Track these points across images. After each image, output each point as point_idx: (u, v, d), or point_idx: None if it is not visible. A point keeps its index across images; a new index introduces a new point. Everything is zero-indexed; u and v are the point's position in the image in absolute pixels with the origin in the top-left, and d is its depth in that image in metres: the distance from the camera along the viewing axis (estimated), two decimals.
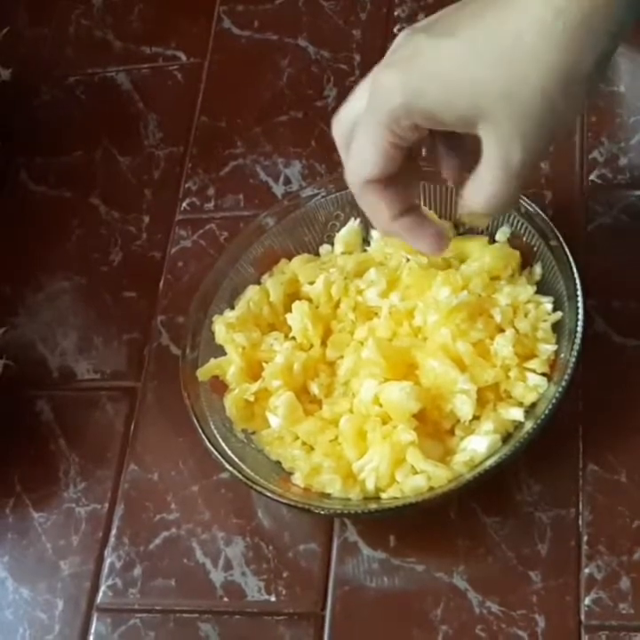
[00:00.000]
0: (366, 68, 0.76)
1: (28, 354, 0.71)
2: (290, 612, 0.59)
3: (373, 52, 0.76)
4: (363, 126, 0.49)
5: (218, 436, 0.57)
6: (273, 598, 0.59)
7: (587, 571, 0.55)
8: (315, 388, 0.58)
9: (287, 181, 0.73)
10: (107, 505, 0.64)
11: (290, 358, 0.58)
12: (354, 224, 0.63)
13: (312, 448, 0.57)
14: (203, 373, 0.59)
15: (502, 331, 0.56)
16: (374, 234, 0.63)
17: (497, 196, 0.47)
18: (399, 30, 0.77)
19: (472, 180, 0.48)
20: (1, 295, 0.74)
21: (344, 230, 0.63)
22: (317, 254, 0.64)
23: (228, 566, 0.60)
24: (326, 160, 0.72)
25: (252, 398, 0.58)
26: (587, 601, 0.55)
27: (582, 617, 0.54)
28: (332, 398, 0.58)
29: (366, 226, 0.62)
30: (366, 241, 0.63)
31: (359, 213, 0.60)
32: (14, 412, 0.69)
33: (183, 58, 0.81)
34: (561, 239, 0.57)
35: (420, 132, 0.48)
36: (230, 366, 0.59)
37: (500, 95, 0.44)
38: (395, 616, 0.57)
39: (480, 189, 0.48)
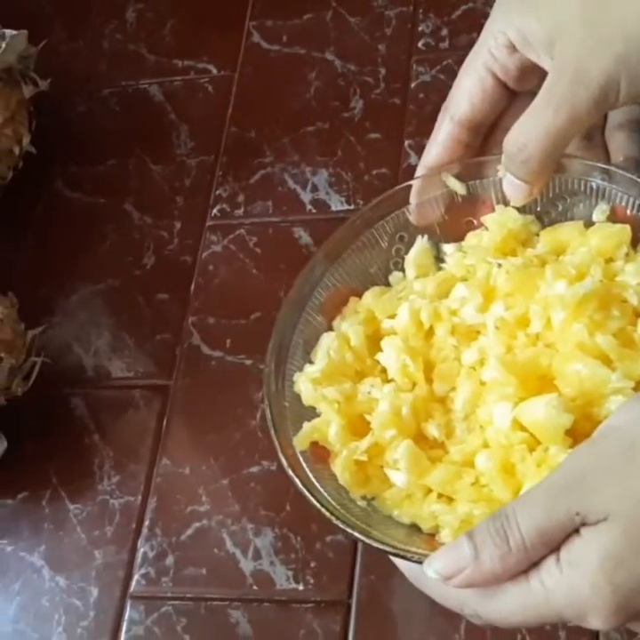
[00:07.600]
0: (391, 81, 0.80)
1: (64, 353, 0.74)
2: (317, 600, 0.61)
3: (398, 66, 0.79)
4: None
5: (338, 506, 0.48)
6: (301, 587, 0.61)
7: None
8: (433, 431, 0.50)
9: (314, 189, 0.75)
10: (140, 497, 0.67)
11: (395, 403, 0.50)
12: (422, 242, 0.55)
13: (451, 499, 0.48)
14: (300, 441, 0.50)
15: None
16: (447, 248, 0.55)
17: None
18: (423, 45, 0.80)
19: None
20: (39, 297, 0.77)
21: (413, 251, 0.55)
22: (388, 285, 0.56)
23: (257, 556, 0.63)
24: (352, 169, 0.75)
25: (364, 457, 0.50)
26: None
27: None
28: (456, 437, 0.50)
29: (436, 242, 0.55)
30: (439, 258, 0.55)
31: (424, 229, 0.55)
32: (50, 409, 0.71)
33: (214, 71, 0.84)
34: None
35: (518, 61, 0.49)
36: (329, 427, 0.51)
37: None
38: (419, 604, 0.59)
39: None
